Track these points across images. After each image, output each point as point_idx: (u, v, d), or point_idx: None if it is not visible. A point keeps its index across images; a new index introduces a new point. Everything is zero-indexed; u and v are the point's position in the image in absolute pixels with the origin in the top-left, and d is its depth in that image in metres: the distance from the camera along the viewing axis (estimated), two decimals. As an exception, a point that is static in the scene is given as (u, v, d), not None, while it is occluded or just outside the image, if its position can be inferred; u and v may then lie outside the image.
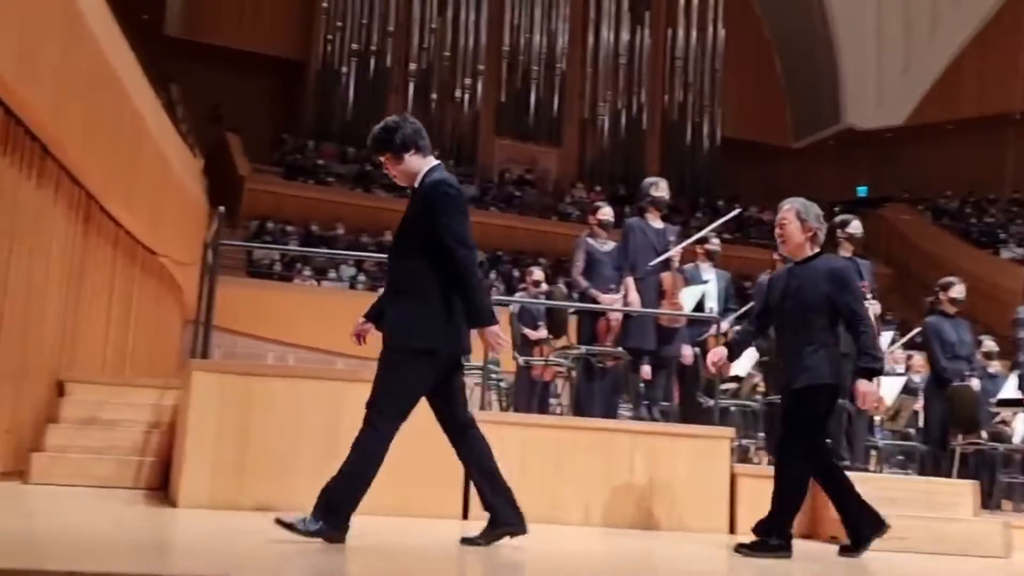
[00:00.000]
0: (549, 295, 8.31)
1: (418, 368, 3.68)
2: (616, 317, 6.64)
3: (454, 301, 3.65)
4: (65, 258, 7.31)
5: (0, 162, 5.97)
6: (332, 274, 18.37)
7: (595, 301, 6.71)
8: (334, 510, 3.61)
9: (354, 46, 22.72)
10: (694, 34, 25.94)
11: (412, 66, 23.23)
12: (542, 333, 7.91)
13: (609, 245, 6.96)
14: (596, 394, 6.68)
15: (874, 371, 4.38)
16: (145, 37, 14.18)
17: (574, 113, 24.83)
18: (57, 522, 4.20)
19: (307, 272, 18.08)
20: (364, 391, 5.52)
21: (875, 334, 4.91)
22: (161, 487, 6.31)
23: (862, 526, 4.46)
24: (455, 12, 23.74)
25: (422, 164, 3.76)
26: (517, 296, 9.53)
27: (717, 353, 4.69)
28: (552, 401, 8.01)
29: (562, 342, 7.39)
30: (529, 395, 7.57)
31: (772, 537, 4.34)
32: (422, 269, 3.64)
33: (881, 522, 4.44)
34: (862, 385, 4.33)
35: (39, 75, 6.11)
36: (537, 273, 8.52)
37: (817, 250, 4.43)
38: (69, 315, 7.46)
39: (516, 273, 19.31)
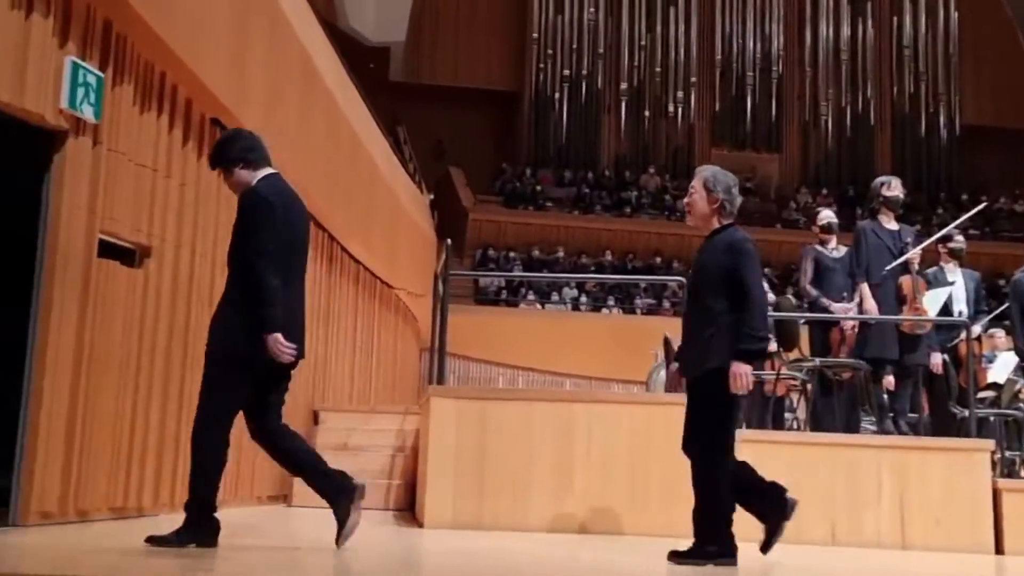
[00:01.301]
0: (776, 306, 8.04)
1: (235, 374, 3.65)
2: (850, 326, 6.33)
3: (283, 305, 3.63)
4: (314, 296, 7.92)
5: (254, 213, 6.57)
6: (555, 296, 18.70)
7: (826, 311, 6.43)
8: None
9: (565, 72, 23.13)
10: (923, 20, 24.31)
11: (623, 85, 23.32)
12: (771, 346, 7.67)
13: (840, 251, 6.67)
14: (835, 408, 6.39)
15: (752, 352, 3.80)
16: (373, 85, 15.15)
17: (794, 116, 23.93)
18: (316, 542, 4.54)
19: (531, 296, 18.52)
20: (593, 411, 5.60)
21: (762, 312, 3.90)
22: (408, 508, 6.67)
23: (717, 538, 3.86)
24: (664, 27, 23.62)
25: (252, 176, 3.82)
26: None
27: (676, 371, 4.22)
28: (787, 416, 7.73)
29: (794, 355, 7.12)
30: (761, 411, 7.34)
31: (708, 543, 3.85)
32: (238, 277, 3.70)
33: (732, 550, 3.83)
34: (735, 366, 3.75)
35: (283, 130, 6.70)
36: (762, 284, 8.27)
37: (727, 223, 4.05)
38: (320, 349, 8.06)
39: (742, 285, 18.77)
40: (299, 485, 6.86)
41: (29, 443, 4.23)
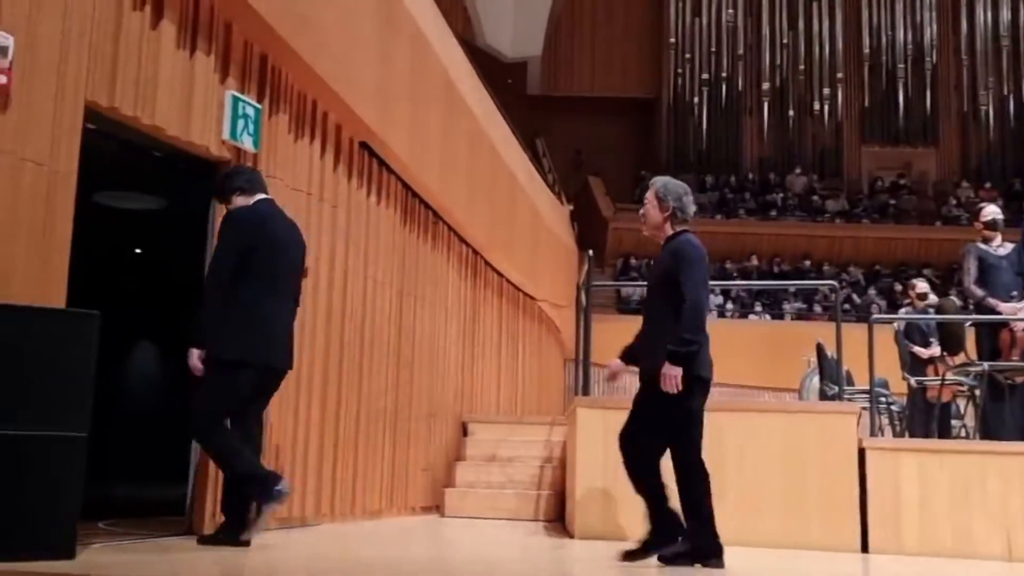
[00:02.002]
0: (939, 308, 7.64)
1: (233, 377, 3.93)
2: (1021, 327, 5.95)
3: (258, 314, 3.95)
4: (459, 310, 8.09)
5: (402, 231, 6.79)
6: (701, 304, 18.34)
7: (994, 311, 6.07)
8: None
9: (704, 76, 22.77)
10: (1092, -3, 22.62)
11: (765, 85, 22.73)
12: (935, 350, 7.29)
13: (1005, 248, 6.29)
14: (1007, 414, 6.01)
15: (679, 355, 3.86)
16: (511, 100, 15.34)
17: (951, 108, 22.69)
18: (469, 551, 4.62)
19: (676, 304, 18.23)
20: (744, 420, 5.48)
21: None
22: (558, 518, 6.69)
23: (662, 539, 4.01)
24: (807, 24, 22.90)
25: (247, 202, 4.17)
26: (902, 312, 8.88)
27: (615, 365, 4.24)
28: (954, 424, 7.31)
29: (960, 359, 6.74)
30: (926, 418, 6.99)
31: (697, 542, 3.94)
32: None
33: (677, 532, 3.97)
34: (664, 367, 3.88)
35: (427, 151, 6.89)
36: (920, 286, 7.88)
37: (679, 229, 4.14)
38: (466, 361, 8.22)
39: (898, 287, 17.95)
40: (450, 495, 7.00)
41: (201, 456, 4.50)
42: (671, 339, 3.88)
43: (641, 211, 4.28)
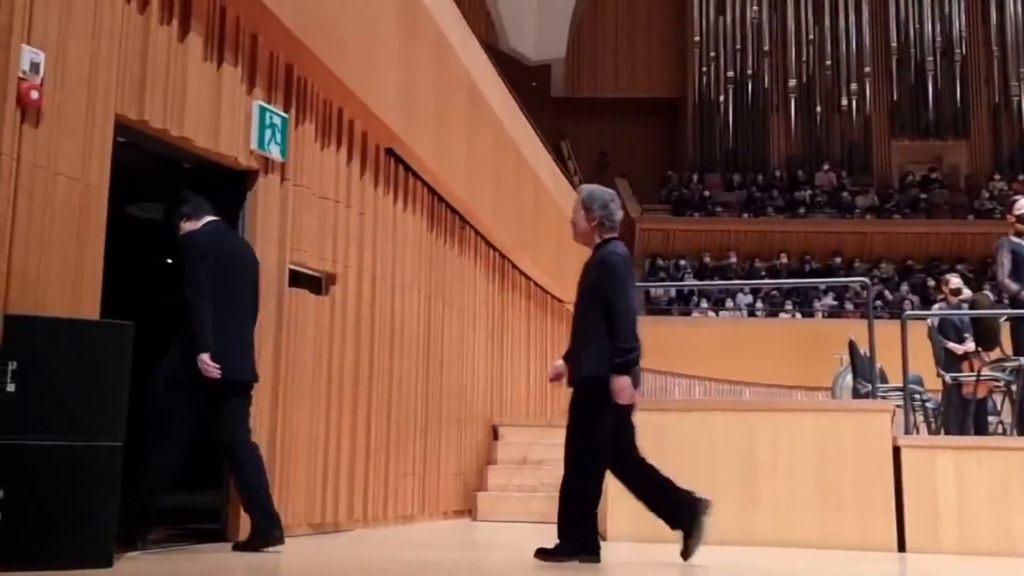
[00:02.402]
0: (973, 303, 7.54)
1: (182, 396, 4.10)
2: (1059, 322, 5.86)
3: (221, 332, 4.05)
4: (487, 313, 8.11)
5: (428, 236, 6.82)
6: (729, 303, 18.26)
7: (1030, 306, 5.98)
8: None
9: (729, 74, 22.64)
10: None
11: (791, 82, 22.56)
12: (969, 346, 7.20)
13: (1040, 241, 6.19)
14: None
15: (623, 364, 3.85)
16: (535, 102, 15.34)
17: (982, 99, 22.39)
18: (501, 555, 4.63)
19: (704, 304, 18.16)
20: (777, 420, 5.44)
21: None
22: (590, 521, 6.66)
23: (681, 517, 3.98)
24: (833, 19, 22.70)
25: (194, 226, 4.28)
26: (935, 308, 8.77)
27: (554, 368, 4.29)
28: (991, 420, 7.21)
29: (995, 354, 6.65)
30: (961, 415, 6.90)
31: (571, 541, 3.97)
32: (184, 308, 4.11)
33: (697, 501, 3.95)
34: (613, 380, 3.85)
35: (452, 156, 6.92)
36: (954, 281, 7.79)
37: (607, 237, 4.13)
38: (495, 364, 8.23)
39: (931, 283, 17.73)
40: (482, 498, 7.01)
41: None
42: (612, 351, 3.85)
43: (571, 219, 4.29)
